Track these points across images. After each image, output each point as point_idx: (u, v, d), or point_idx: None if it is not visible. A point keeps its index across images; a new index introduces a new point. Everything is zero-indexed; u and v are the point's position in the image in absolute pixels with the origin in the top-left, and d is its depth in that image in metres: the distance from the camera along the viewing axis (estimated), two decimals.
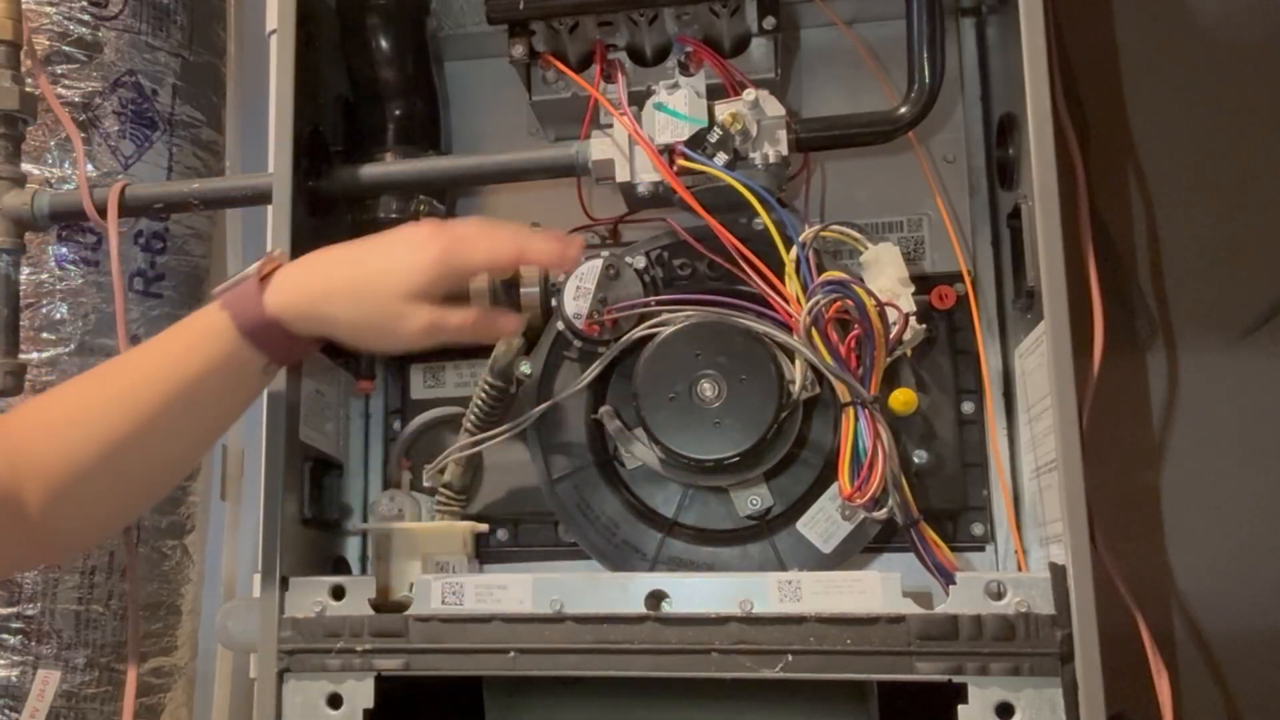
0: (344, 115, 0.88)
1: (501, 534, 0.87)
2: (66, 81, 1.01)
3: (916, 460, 0.79)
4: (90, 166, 1.01)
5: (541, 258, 0.69)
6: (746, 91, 0.73)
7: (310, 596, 0.71)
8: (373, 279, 0.66)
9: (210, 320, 0.66)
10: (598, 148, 0.77)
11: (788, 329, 0.72)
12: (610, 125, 0.77)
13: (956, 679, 0.63)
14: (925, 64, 0.75)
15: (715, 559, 0.77)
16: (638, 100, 0.77)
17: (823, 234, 0.75)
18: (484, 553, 0.87)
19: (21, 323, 0.86)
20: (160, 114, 1.06)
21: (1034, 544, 0.77)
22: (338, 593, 0.71)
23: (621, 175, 0.76)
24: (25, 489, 0.63)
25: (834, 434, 0.75)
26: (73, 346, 1.00)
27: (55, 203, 0.83)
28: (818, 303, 0.69)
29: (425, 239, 0.66)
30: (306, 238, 0.80)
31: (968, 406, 0.82)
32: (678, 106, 0.75)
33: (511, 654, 0.68)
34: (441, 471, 0.83)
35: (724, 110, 0.74)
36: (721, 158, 0.73)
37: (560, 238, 0.72)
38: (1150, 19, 1.00)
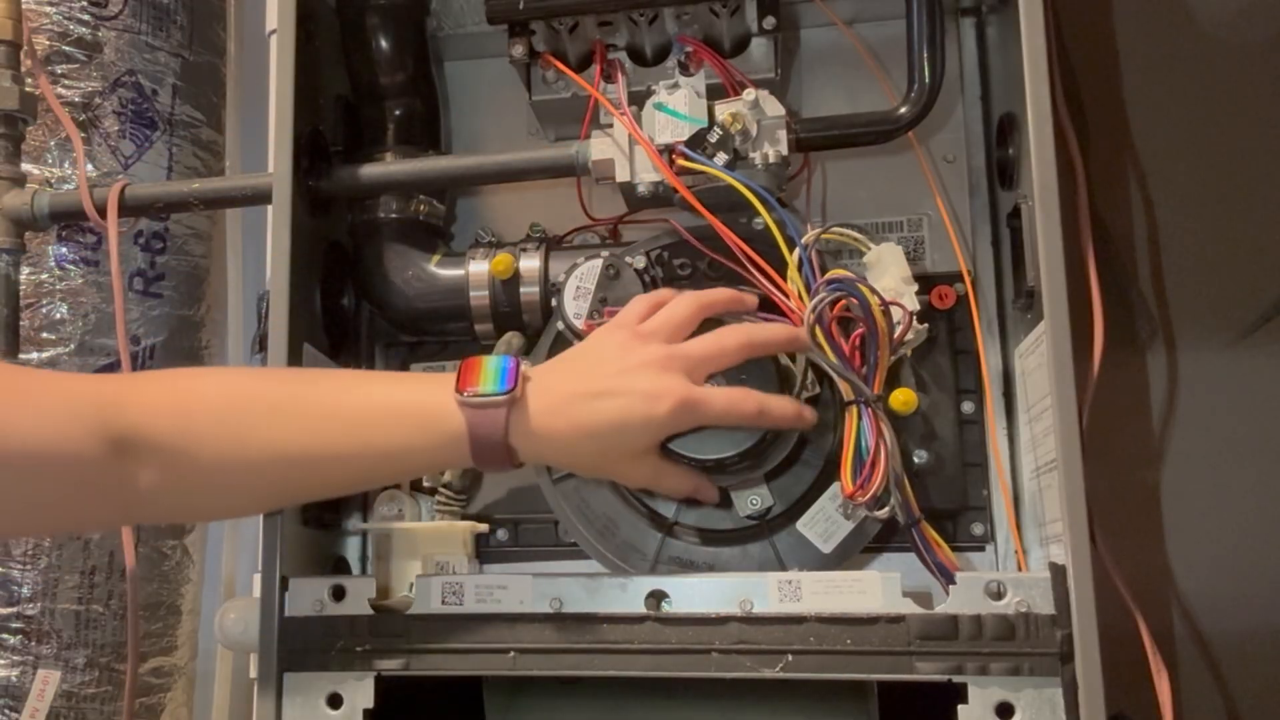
0: (344, 115, 0.88)
1: (501, 534, 0.87)
2: (66, 81, 1.01)
3: (916, 460, 0.79)
4: (90, 166, 1.01)
5: (781, 422, 0.69)
6: (746, 91, 0.73)
7: (310, 596, 0.71)
8: (609, 434, 0.65)
9: (444, 414, 0.64)
10: (598, 148, 0.77)
11: None
12: (610, 125, 0.77)
13: (956, 679, 0.63)
14: (925, 64, 0.75)
15: (715, 559, 0.77)
16: (638, 100, 0.77)
17: (825, 236, 0.75)
18: (484, 553, 0.87)
19: (21, 323, 0.86)
20: (160, 114, 1.06)
21: (1034, 544, 0.77)
22: (338, 593, 0.71)
23: (621, 175, 0.76)
24: (139, 470, 0.61)
25: (834, 434, 0.75)
26: (73, 346, 1.00)
27: (55, 203, 0.83)
28: (822, 301, 0.69)
29: (662, 388, 0.65)
30: (306, 238, 0.80)
31: (968, 406, 0.82)
32: (678, 106, 0.75)
33: (511, 654, 0.68)
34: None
35: (724, 110, 0.74)
36: (721, 157, 0.73)
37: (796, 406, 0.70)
38: (1150, 19, 1.00)
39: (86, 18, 1.02)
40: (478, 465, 0.65)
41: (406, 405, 0.65)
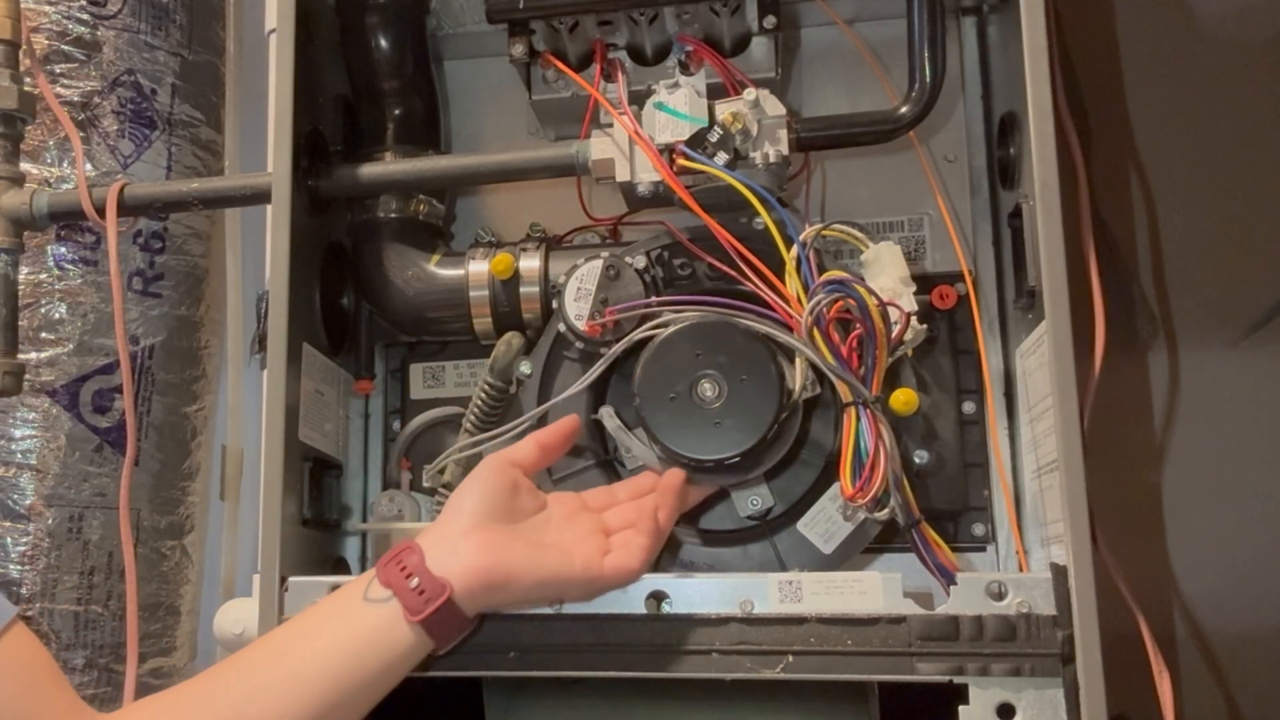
0: (344, 115, 0.88)
1: None
2: (65, 81, 1.01)
3: (917, 460, 0.79)
4: (89, 166, 1.01)
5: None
6: (747, 91, 0.73)
7: (309, 597, 0.71)
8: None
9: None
10: (598, 147, 0.77)
11: (788, 329, 0.72)
12: (610, 125, 0.77)
13: (957, 680, 0.63)
14: (926, 63, 0.74)
15: (715, 559, 0.77)
16: (638, 100, 0.77)
17: (824, 233, 0.74)
18: None
19: (20, 322, 0.86)
20: (159, 113, 1.06)
21: (1035, 544, 0.76)
22: None
23: (621, 175, 0.76)
24: None
25: (835, 434, 0.75)
26: (72, 346, 1.00)
27: (54, 202, 0.83)
28: (819, 302, 0.69)
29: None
30: (306, 238, 0.80)
31: (969, 406, 0.82)
32: (678, 106, 0.74)
33: (511, 654, 0.67)
34: (441, 472, 0.83)
35: (724, 109, 0.74)
36: (722, 157, 0.73)
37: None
38: (1151, 19, 1.00)
39: (85, 17, 1.01)
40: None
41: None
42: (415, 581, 0.62)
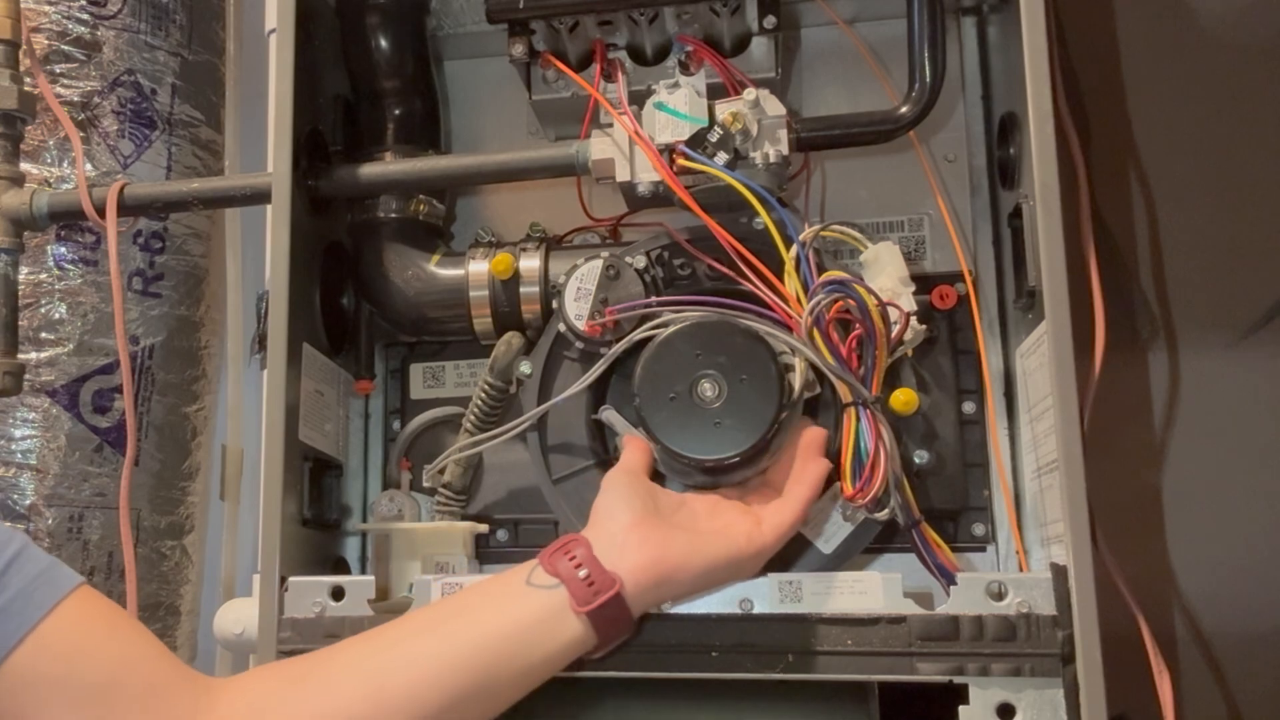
0: (344, 115, 0.88)
1: (501, 534, 0.87)
2: (65, 81, 1.01)
3: (918, 460, 0.79)
4: (89, 166, 1.01)
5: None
6: (747, 91, 0.73)
7: (310, 597, 0.71)
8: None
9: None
10: (598, 147, 0.77)
11: (788, 329, 0.72)
12: (610, 124, 0.77)
13: (957, 680, 0.63)
14: (926, 63, 0.74)
15: None
16: (638, 99, 0.77)
17: (823, 233, 0.74)
18: (484, 553, 0.87)
19: (21, 322, 0.86)
20: (159, 113, 1.06)
21: (1035, 544, 0.76)
22: (337, 593, 0.71)
23: (621, 175, 0.76)
24: None
25: (835, 434, 0.74)
26: (71, 346, 1.00)
27: (54, 202, 0.83)
28: (819, 302, 0.69)
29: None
30: (306, 238, 0.80)
31: (969, 406, 0.82)
32: (678, 106, 0.74)
33: None
34: (441, 472, 0.83)
35: (724, 109, 0.74)
36: (722, 157, 0.73)
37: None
38: (1152, 18, 1.00)
39: (85, 17, 1.01)
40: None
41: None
42: (584, 572, 0.61)
